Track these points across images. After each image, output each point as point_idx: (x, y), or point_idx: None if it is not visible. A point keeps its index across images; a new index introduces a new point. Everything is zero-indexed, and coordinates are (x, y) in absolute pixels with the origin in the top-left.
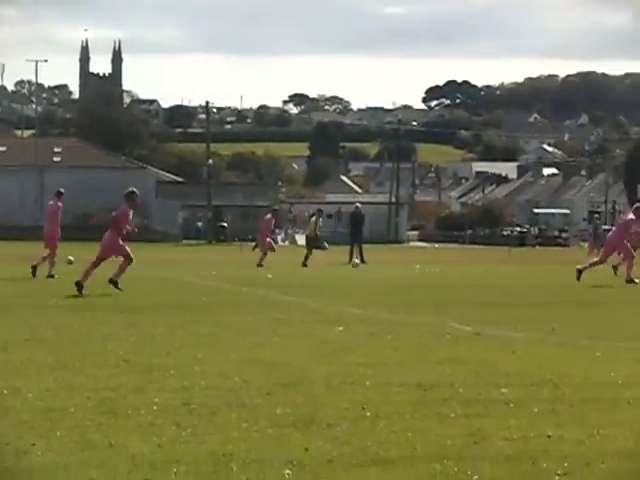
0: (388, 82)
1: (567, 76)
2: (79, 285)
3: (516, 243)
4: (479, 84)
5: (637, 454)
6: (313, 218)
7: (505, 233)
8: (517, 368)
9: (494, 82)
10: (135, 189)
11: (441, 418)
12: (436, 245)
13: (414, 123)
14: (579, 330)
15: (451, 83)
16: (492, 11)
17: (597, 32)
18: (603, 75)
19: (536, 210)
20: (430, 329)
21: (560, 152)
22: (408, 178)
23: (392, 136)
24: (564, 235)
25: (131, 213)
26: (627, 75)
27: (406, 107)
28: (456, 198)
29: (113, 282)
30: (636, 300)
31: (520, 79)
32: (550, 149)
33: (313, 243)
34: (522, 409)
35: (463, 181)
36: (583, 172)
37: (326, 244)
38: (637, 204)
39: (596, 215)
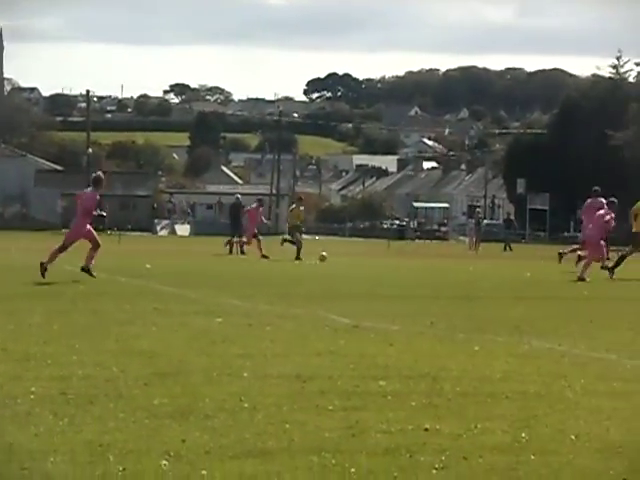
0: (270, 73)
1: (448, 70)
2: (43, 266)
3: (395, 236)
4: (360, 77)
5: (514, 448)
6: (293, 206)
7: (385, 226)
8: (395, 361)
9: (375, 75)
10: (101, 173)
11: (319, 410)
12: (316, 237)
13: (295, 115)
14: (457, 324)
15: (332, 76)
16: (374, 4)
17: (479, 26)
18: (484, 70)
19: (416, 204)
20: (309, 321)
21: (440, 146)
22: (289, 170)
23: (273, 127)
24: (443, 229)
25: (97, 196)
26: (508, 70)
27: (287, 99)
28: (337, 191)
29: (86, 270)
30: (515, 295)
31: (401, 73)
32: (430, 143)
33: (295, 232)
34: (400, 402)
35: (344, 174)
36: (463, 166)
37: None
38: (611, 199)
39: (477, 209)
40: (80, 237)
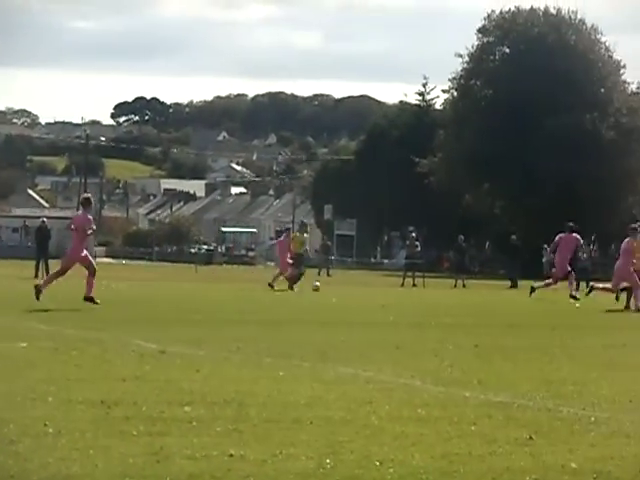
0: (77, 97)
1: (256, 96)
2: (37, 289)
3: (203, 261)
4: (168, 101)
5: (318, 475)
6: (297, 234)
7: (192, 251)
8: (201, 386)
9: (183, 100)
10: (88, 195)
11: (124, 436)
12: (123, 261)
13: (102, 138)
14: (264, 348)
15: (140, 99)
16: (182, 29)
17: (287, 52)
18: (292, 95)
19: (224, 228)
20: (115, 346)
21: (248, 171)
22: (96, 193)
23: (80, 151)
24: (251, 254)
25: (90, 217)
26: (316, 96)
27: (95, 122)
28: (144, 215)
29: (88, 299)
30: (322, 320)
31: (209, 97)
32: (238, 168)
33: (301, 262)
34: (205, 428)
35: (151, 198)
36: (271, 192)
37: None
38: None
39: (285, 234)
40: (77, 261)
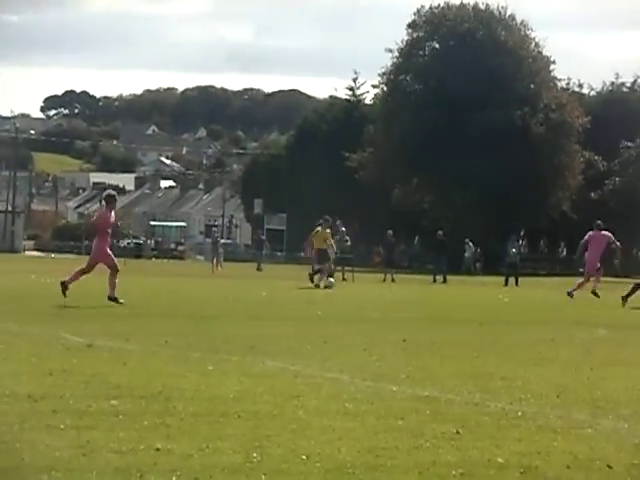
0: (5, 90)
1: (186, 89)
2: (64, 285)
3: (132, 255)
4: (97, 95)
5: (245, 468)
6: (319, 229)
7: (122, 245)
8: (128, 380)
9: (113, 93)
10: (114, 192)
11: (50, 429)
12: (52, 255)
13: (32, 132)
14: (192, 342)
15: (70, 93)
16: (113, 22)
17: (217, 46)
18: (222, 89)
19: (153, 222)
20: (42, 340)
21: (178, 165)
22: (25, 187)
23: (9, 144)
24: (180, 248)
25: (112, 215)
26: (246, 90)
27: (24, 115)
28: (73, 208)
29: (112, 299)
30: (251, 314)
31: (139, 91)
32: (168, 162)
33: (326, 257)
34: (132, 421)
35: (81, 191)
36: (200, 186)
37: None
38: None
39: (214, 229)
40: (103, 259)
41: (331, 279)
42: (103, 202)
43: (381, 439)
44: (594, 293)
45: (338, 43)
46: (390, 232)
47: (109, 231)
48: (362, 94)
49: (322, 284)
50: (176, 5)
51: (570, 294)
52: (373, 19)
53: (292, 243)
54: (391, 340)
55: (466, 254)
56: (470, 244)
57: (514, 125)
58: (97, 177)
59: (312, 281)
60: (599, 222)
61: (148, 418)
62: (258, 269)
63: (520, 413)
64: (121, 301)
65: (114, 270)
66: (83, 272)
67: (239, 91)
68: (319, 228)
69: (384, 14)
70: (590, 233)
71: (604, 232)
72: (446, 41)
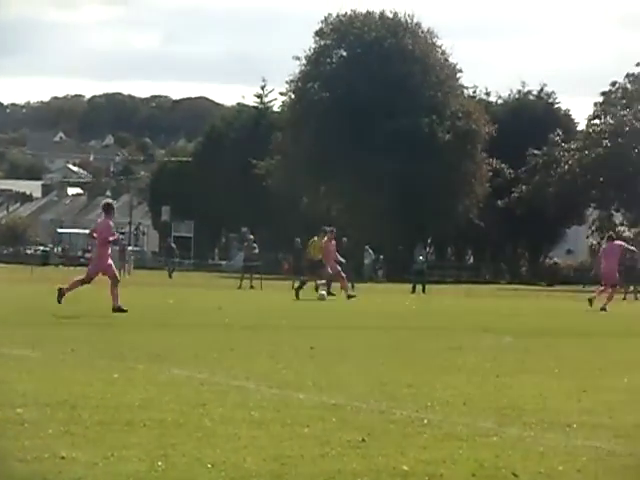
0: None
1: (93, 96)
2: (60, 292)
3: (39, 262)
4: (5, 102)
5: (150, 477)
6: (315, 239)
7: (29, 252)
8: (34, 388)
9: (20, 100)
10: (112, 200)
11: None
12: None
13: None
14: (99, 350)
15: None
16: (18, 29)
17: (124, 53)
18: (129, 96)
19: (60, 230)
20: None
21: (85, 172)
22: None
23: None
24: (87, 255)
25: (111, 223)
26: (153, 97)
27: None
28: None
29: (117, 309)
30: (157, 322)
31: (46, 98)
32: (75, 169)
33: (318, 268)
34: (37, 430)
35: None
36: (108, 193)
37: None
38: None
39: (122, 236)
40: (102, 270)
41: (323, 292)
42: (102, 212)
43: (287, 447)
44: (590, 301)
45: (246, 50)
46: (298, 240)
47: (110, 240)
48: (270, 101)
49: (324, 292)
50: (83, 12)
51: (603, 309)
52: (281, 27)
53: (200, 250)
54: (299, 347)
55: (365, 261)
56: (370, 251)
57: (421, 132)
58: (4, 184)
59: (297, 297)
60: (611, 233)
61: (53, 426)
62: (170, 276)
63: (426, 421)
64: (125, 309)
65: (114, 281)
66: (82, 282)
67: (146, 98)
68: (315, 238)
69: (292, 22)
70: (603, 246)
71: (616, 242)
72: (353, 49)
